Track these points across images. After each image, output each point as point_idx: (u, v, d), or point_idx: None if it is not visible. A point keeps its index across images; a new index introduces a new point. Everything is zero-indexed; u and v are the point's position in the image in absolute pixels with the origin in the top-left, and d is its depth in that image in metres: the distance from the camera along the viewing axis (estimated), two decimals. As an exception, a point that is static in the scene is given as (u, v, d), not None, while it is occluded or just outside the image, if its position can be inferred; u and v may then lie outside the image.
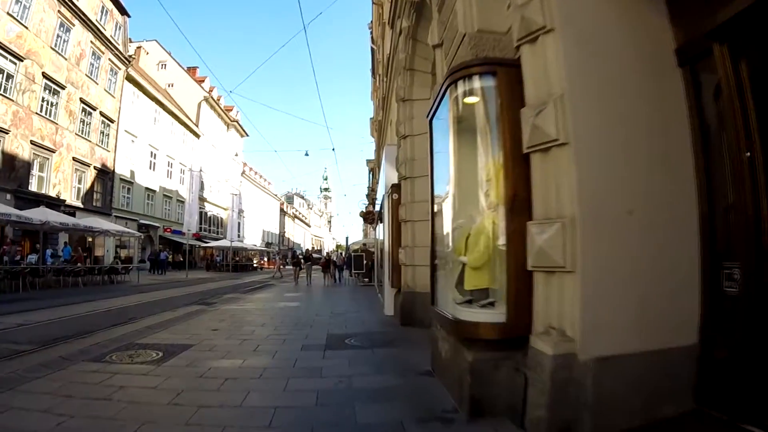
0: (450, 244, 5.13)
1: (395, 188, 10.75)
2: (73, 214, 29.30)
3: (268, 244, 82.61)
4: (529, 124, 3.88)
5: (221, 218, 62.46)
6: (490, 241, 4.31)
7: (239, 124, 70.41)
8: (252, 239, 72.06)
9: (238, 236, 58.55)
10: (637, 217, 3.76)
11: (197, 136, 56.64)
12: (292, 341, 7.91)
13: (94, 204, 35.39)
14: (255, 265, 59.64)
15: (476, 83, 4.49)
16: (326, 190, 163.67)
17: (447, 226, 5.27)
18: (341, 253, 38.63)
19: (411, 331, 8.75)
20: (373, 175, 42.71)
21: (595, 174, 3.65)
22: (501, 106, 4.20)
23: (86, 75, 34.29)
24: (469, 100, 4.62)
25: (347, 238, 52.96)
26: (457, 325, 4.36)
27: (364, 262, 27.23)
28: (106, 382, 5.22)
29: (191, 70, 61.54)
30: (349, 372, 5.74)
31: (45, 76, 29.42)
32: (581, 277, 3.51)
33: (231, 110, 67.46)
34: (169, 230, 47.98)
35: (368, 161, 49.66)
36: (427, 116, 5.86)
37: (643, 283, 3.74)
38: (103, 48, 36.34)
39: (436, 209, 5.70)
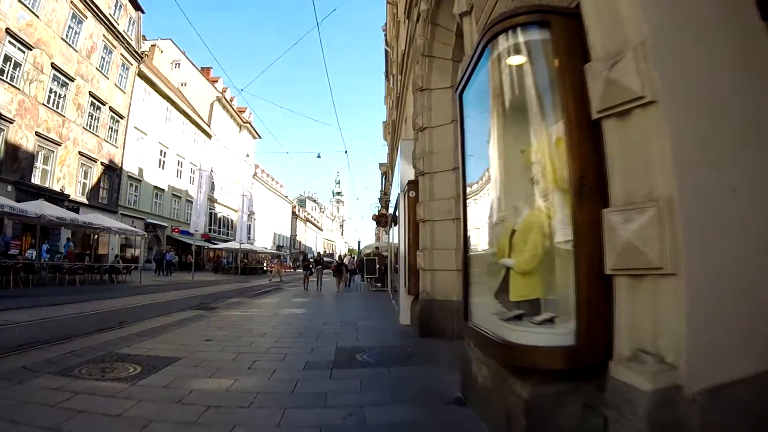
0: (488, 244, 4.15)
1: (412, 185, 9.78)
2: (77, 210, 28.85)
3: (279, 247, 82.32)
4: (601, 80, 2.92)
5: (231, 220, 61.83)
6: (544, 238, 3.35)
7: (252, 126, 70.21)
8: (263, 242, 71.73)
9: (248, 238, 57.98)
10: (741, 197, 2.79)
11: (209, 136, 56.32)
12: (294, 356, 6.87)
13: (99, 200, 35.11)
14: (265, 268, 58.78)
15: (522, 38, 3.53)
16: (338, 194, 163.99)
17: (484, 221, 4.27)
18: (353, 258, 37.68)
19: (431, 345, 7.72)
20: (385, 178, 42.20)
21: (692, 140, 2.71)
22: (559, 63, 3.25)
23: (97, 69, 34.10)
24: (514, 59, 3.62)
25: (359, 242, 52.56)
26: (507, 349, 3.32)
27: (377, 266, 26.30)
28: (64, 404, 4.28)
29: (205, 71, 61.36)
30: (361, 399, 4.68)
31: (54, 66, 29.17)
32: (686, 281, 2.52)
33: (244, 111, 67.46)
34: (177, 230, 47.37)
35: (381, 165, 49.42)
36: (456, 89, 4.81)
37: (751, 284, 2.76)
38: (115, 42, 36.22)
39: (469, 201, 4.66)
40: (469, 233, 4.56)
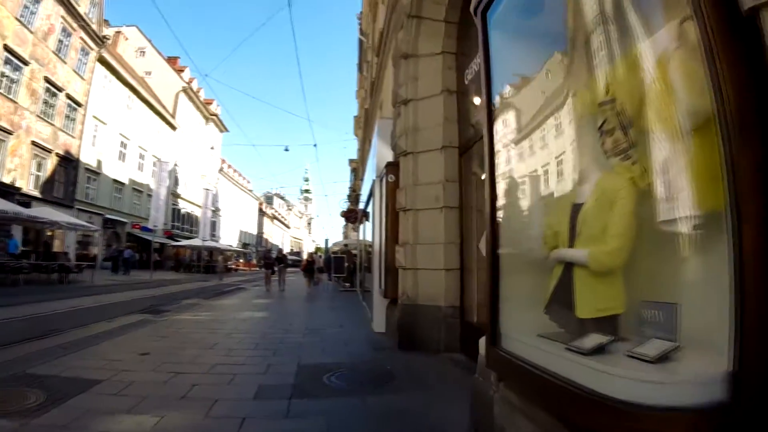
0: (529, 229, 2.77)
1: (391, 168, 8.45)
2: (28, 204, 26.82)
3: (245, 245, 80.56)
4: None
5: (196, 216, 59.33)
6: (633, 215, 2.04)
7: (218, 119, 68.08)
8: (228, 239, 69.69)
9: (213, 235, 56.00)
10: None
11: (173, 128, 53.89)
12: (244, 378, 5.41)
13: (54, 194, 32.68)
14: (230, 266, 57.01)
15: None
16: (306, 191, 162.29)
17: (520, 196, 2.87)
18: (320, 256, 36.31)
19: (414, 361, 6.39)
20: (355, 174, 41.27)
21: None
22: None
23: (54, 52, 31.71)
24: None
25: (327, 240, 51.32)
26: (588, 405, 1.90)
27: (345, 264, 25.07)
28: None
29: (171, 60, 58.99)
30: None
31: (6, 48, 26.97)
32: None
33: (211, 104, 65.51)
34: (138, 227, 44.83)
35: (351, 161, 48.78)
36: (475, 9, 3.30)
37: None
38: (75, 25, 33.71)
39: (498, 166, 3.13)
40: (498, 214, 3.05)
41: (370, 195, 12.61)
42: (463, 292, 7.01)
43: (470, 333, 6.59)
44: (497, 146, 2.99)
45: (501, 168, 2.98)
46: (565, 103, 2.53)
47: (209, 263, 49.94)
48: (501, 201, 2.97)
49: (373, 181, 10.60)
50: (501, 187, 2.96)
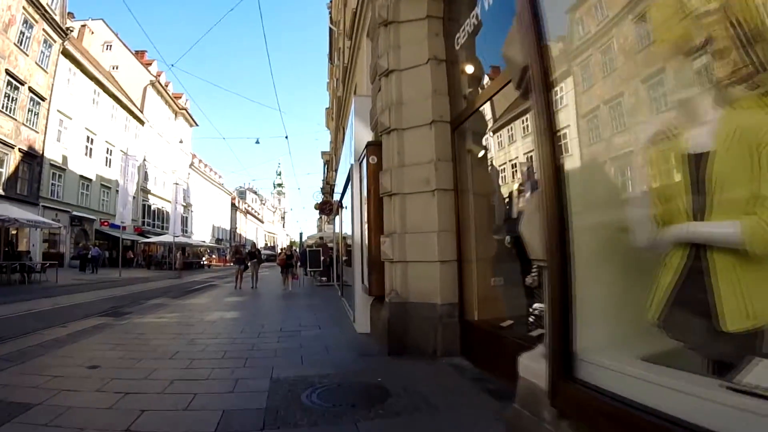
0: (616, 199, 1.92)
1: (372, 149, 7.60)
2: (-10, 202, 25.20)
3: (218, 241, 79.31)
4: None
5: (167, 212, 57.96)
6: None
7: (188, 113, 66.65)
8: (201, 235, 68.41)
9: (185, 231, 54.71)
10: None
11: (141, 122, 52.30)
12: (206, 399, 4.45)
13: (18, 191, 31.18)
14: (204, 263, 55.73)
15: None
16: (280, 185, 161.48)
17: (600, 151, 1.99)
18: (295, 249, 35.23)
19: (408, 369, 5.48)
20: (328, 167, 40.69)
21: None
22: None
23: (15, 44, 30.18)
24: None
25: (301, 234, 50.43)
26: None
27: (321, 258, 24.14)
28: None
29: (139, 54, 57.29)
30: None
31: None
32: None
33: (180, 98, 64.04)
34: (106, 224, 43.29)
35: (323, 153, 48.39)
36: None
37: None
38: (37, 16, 32.25)
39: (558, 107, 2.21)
40: (566, 172, 2.01)
41: (347, 183, 11.68)
42: (462, 287, 6.13)
43: (471, 334, 5.78)
44: (555, 77, 2.06)
45: (562, 110, 2.04)
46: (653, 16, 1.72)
47: (183, 259, 48.71)
48: (565, 160, 2.00)
49: (351, 166, 9.60)
50: (563, 139, 2.02)
